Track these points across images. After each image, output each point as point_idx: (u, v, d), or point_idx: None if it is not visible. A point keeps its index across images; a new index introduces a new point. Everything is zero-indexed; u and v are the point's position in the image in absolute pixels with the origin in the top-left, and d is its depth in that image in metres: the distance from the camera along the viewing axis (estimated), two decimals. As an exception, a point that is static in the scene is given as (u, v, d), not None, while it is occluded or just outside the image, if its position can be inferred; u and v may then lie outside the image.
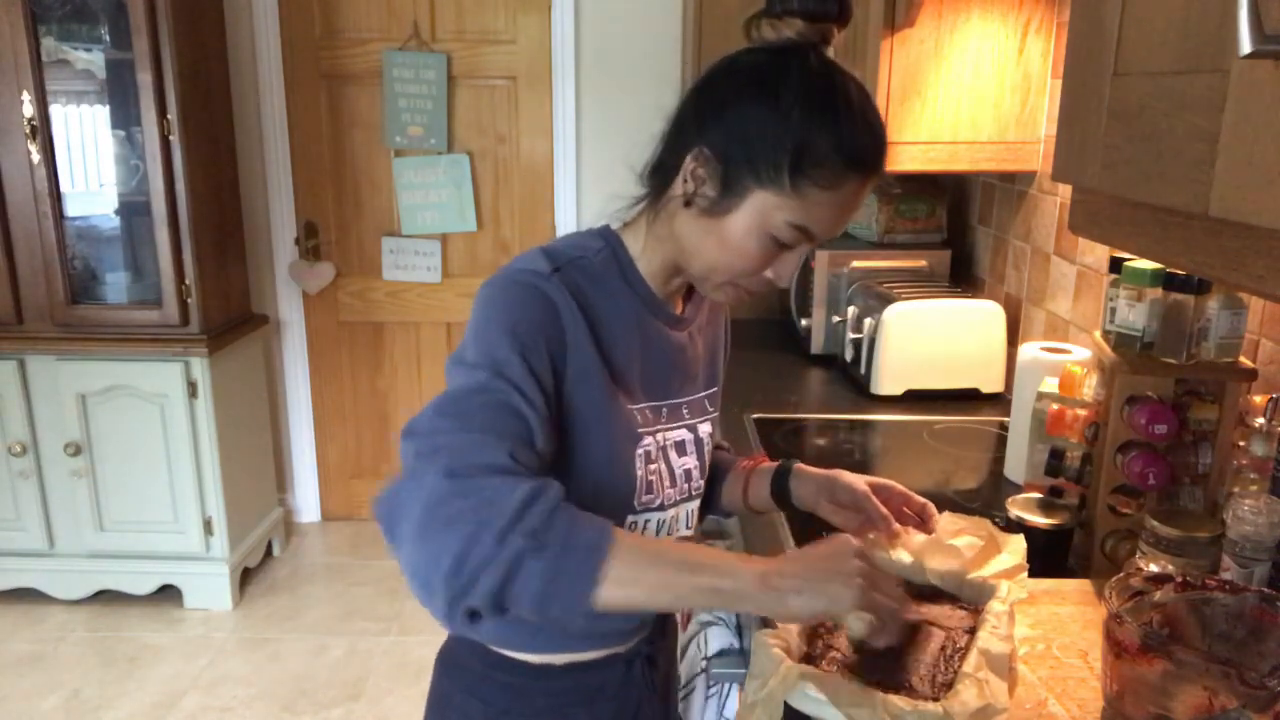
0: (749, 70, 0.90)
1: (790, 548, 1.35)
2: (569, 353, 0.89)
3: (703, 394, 1.09)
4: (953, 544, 1.07)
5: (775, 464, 1.16)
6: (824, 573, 0.79)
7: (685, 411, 1.06)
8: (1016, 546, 1.06)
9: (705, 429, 1.09)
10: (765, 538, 1.39)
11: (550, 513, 0.76)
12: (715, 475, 1.19)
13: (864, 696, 0.84)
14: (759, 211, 0.88)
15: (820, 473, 1.12)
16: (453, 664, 1.09)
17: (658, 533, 1.02)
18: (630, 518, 0.99)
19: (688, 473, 1.05)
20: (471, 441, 0.79)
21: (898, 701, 0.83)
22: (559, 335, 0.88)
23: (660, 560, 0.79)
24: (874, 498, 1.06)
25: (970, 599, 1.03)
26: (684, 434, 1.05)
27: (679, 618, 1.28)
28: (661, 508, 1.02)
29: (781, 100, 0.86)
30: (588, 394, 0.91)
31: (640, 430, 0.98)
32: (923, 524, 1.09)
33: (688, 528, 1.08)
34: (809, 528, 1.41)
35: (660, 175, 0.95)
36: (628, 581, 0.76)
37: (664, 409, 1.03)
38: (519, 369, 0.84)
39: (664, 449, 1.02)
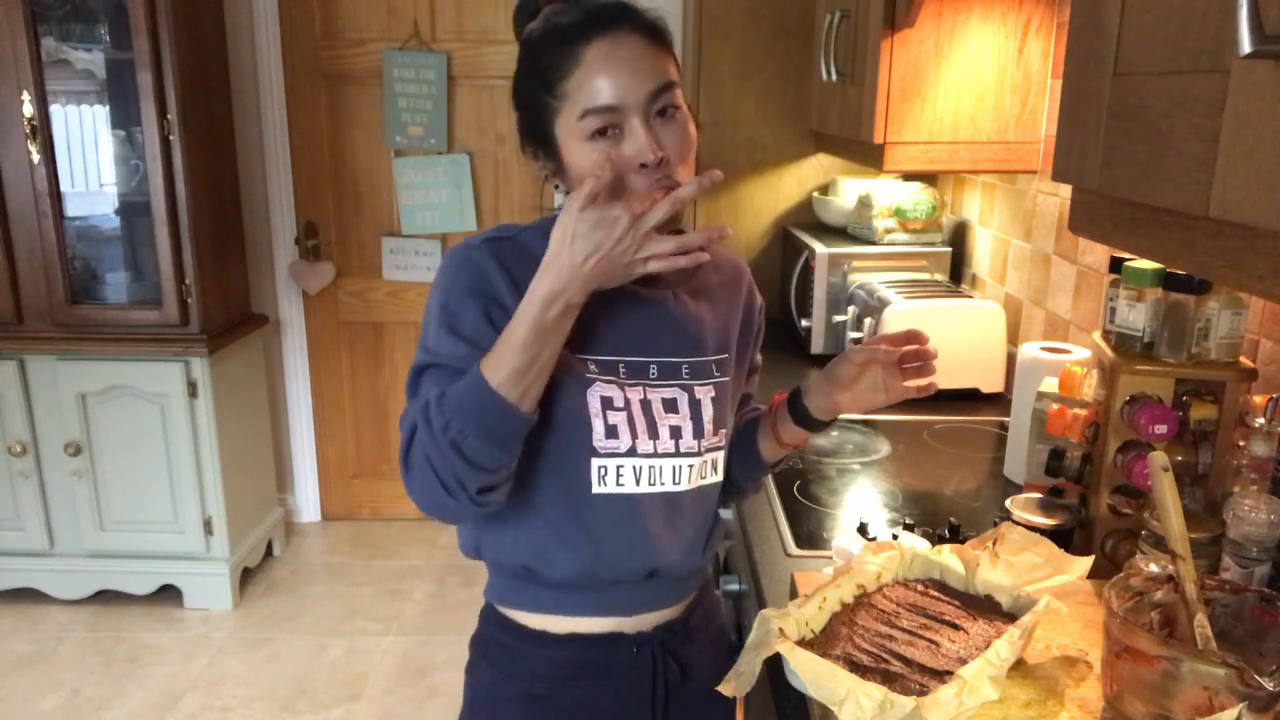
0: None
1: (788, 542, 1.35)
2: (503, 307, 0.99)
3: (709, 358, 1.11)
4: (1010, 560, 1.07)
5: (785, 397, 1.18)
6: (583, 250, 0.90)
7: (685, 371, 1.08)
8: (1078, 567, 1.05)
9: (706, 392, 1.09)
10: (764, 531, 1.39)
11: (440, 403, 0.94)
12: (750, 435, 1.21)
13: (837, 677, 0.85)
14: (567, 138, 0.98)
15: (816, 376, 1.14)
16: (477, 634, 1.16)
17: (637, 481, 1.05)
18: (595, 461, 1.03)
19: (675, 429, 1.06)
20: (411, 408, 1.00)
21: (871, 688, 0.84)
22: (489, 292, 1.00)
23: (512, 350, 0.93)
24: (866, 347, 1.09)
25: (1017, 612, 1.03)
26: (675, 393, 1.07)
27: (718, 621, 1.26)
28: (633, 454, 1.04)
29: (518, 71, 1.03)
30: None
31: (590, 377, 1.03)
32: (921, 364, 1.09)
33: (676, 483, 1.07)
34: (800, 516, 1.41)
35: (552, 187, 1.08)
36: (513, 381, 0.93)
37: (651, 366, 1.06)
38: (446, 344, 1.00)
39: (645, 402, 1.05)
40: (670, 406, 1.07)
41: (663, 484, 1.07)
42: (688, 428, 1.08)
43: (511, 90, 1.05)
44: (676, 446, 1.07)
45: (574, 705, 1.10)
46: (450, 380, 0.97)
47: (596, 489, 1.03)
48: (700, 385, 1.09)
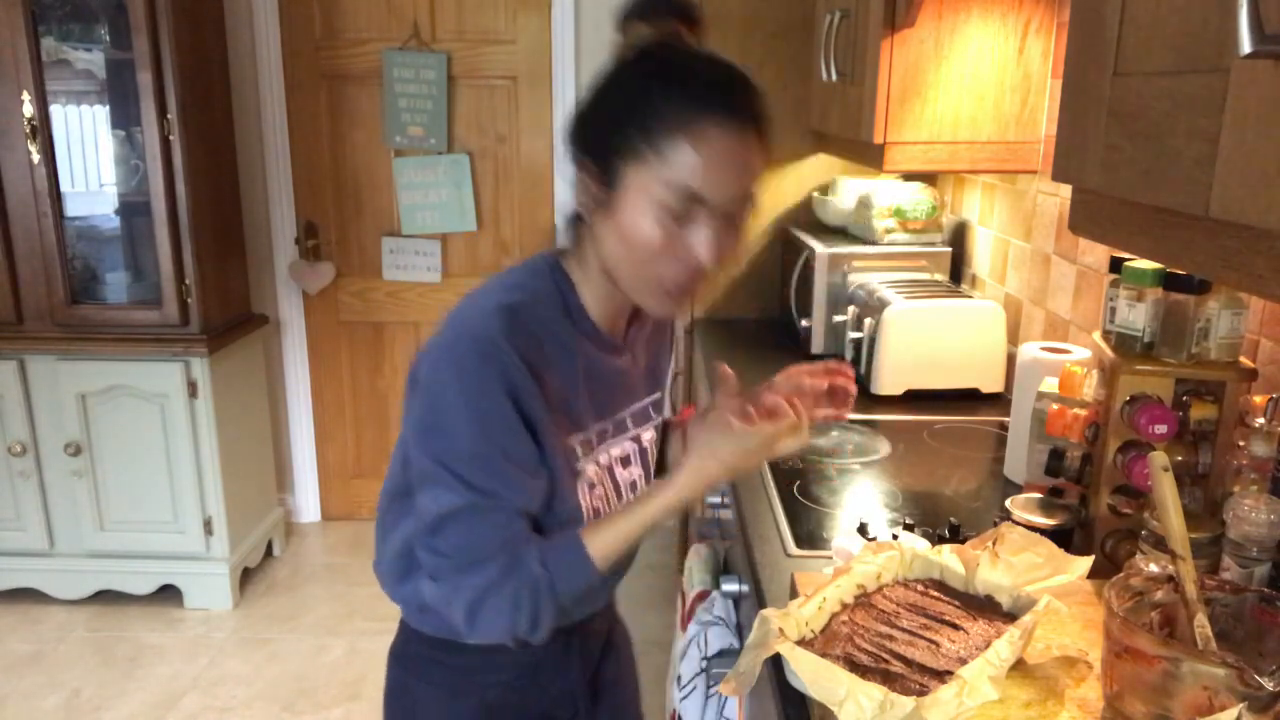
0: (598, 76, 0.97)
1: (788, 543, 1.35)
2: (526, 409, 0.94)
3: (646, 401, 1.14)
4: (1010, 560, 1.07)
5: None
6: (727, 467, 0.96)
7: (629, 422, 1.11)
8: (1078, 567, 1.05)
9: (649, 435, 1.14)
10: (764, 531, 1.39)
11: (551, 591, 0.95)
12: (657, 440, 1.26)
13: (837, 677, 0.85)
14: (639, 189, 0.89)
15: (683, 418, 1.20)
16: (405, 655, 1.15)
17: None
18: None
19: (633, 484, 1.11)
20: (476, 559, 0.95)
21: (871, 688, 0.84)
22: (517, 396, 0.93)
23: (620, 537, 0.98)
24: (789, 380, 1.10)
25: (1017, 612, 1.03)
26: (628, 445, 1.10)
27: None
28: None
29: (621, 80, 0.93)
30: (540, 440, 0.97)
31: (579, 463, 1.02)
32: (837, 397, 1.11)
33: None
34: (800, 516, 1.41)
35: (577, 199, 0.99)
36: (610, 557, 0.97)
37: (609, 426, 1.08)
38: (496, 473, 0.93)
39: (609, 468, 1.07)
40: (625, 462, 1.10)
41: None
42: (640, 477, 1.12)
43: (598, 89, 0.95)
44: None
45: (529, 698, 1.13)
46: (506, 525, 0.94)
47: None
48: (645, 431, 1.13)
